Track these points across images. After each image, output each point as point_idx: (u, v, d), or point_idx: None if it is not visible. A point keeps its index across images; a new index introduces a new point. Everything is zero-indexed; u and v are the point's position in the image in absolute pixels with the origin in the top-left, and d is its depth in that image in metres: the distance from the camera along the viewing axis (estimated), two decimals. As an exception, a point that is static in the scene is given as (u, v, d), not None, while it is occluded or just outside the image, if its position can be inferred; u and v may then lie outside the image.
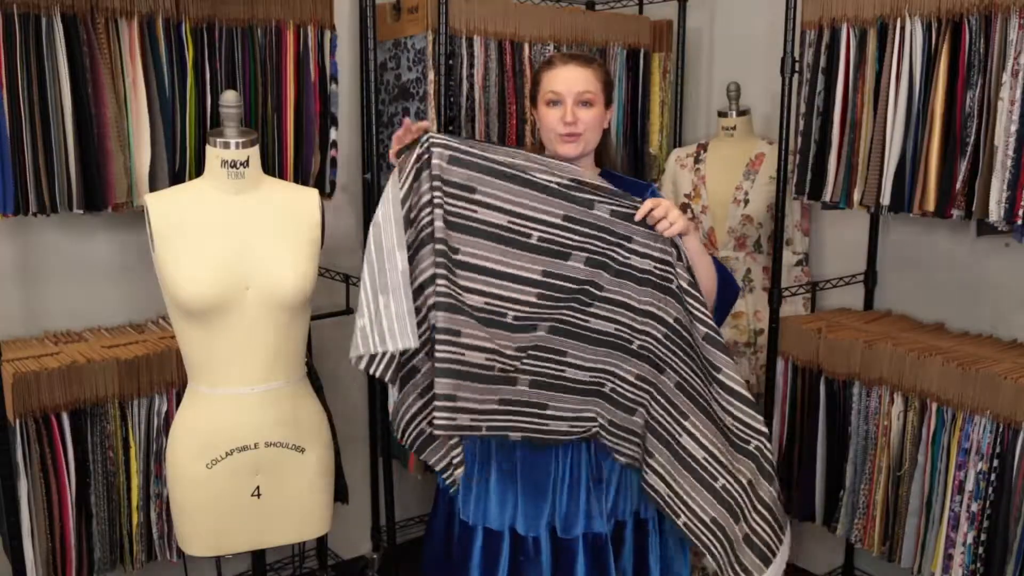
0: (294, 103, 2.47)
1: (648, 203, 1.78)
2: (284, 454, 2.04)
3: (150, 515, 2.32)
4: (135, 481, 2.29)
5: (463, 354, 1.74)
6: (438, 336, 1.71)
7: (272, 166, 2.45)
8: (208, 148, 1.98)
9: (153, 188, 2.25)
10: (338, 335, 3.02)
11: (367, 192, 2.90)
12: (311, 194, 2.08)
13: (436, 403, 1.73)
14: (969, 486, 2.18)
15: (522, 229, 1.76)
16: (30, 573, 2.16)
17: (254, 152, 1.99)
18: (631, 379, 1.87)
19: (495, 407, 1.80)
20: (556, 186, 1.76)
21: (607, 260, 1.81)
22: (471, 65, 2.74)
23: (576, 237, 1.79)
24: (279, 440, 2.03)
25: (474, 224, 1.74)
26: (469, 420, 1.78)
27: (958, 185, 2.12)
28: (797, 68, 2.43)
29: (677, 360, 1.84)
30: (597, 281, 1.82)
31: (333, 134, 2.57)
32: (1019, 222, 2.02)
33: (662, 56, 3.18)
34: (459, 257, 1.74)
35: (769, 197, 2.81)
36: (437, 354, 1.72)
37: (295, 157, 2.50)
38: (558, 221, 1.77)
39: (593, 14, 3.07)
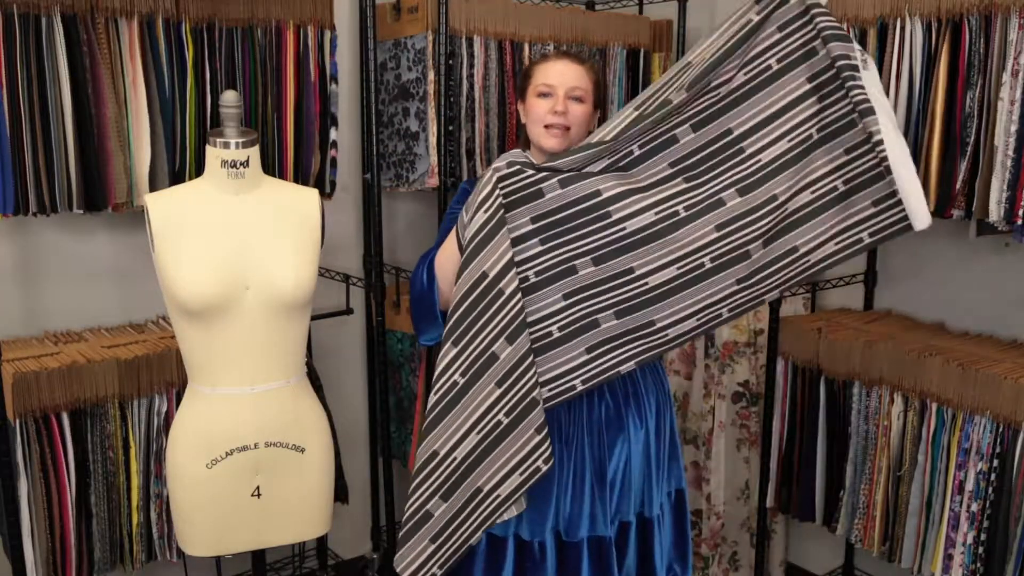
0: (294, 103, 2.47)
1: None
2: (284, 454, 2.04)
3: (150, 515, 2.32)
4: (135, 481, 2.29)
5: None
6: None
7: (272, 166, 2.45)
8: (208, 148, 1.98)
9: (153, 188, 2.25)
10: (338, 335, 3.03)
11: (367, 192, 2.91)
12: (311, 194, 2.08)
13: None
14: (969, 486, 2.18)
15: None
16: (30, 573, 2.16)
17: (254, 152, 1.99)
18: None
19: (585, 358, 1.79)
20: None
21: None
22: (471, 65, 2.73)
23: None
24: (279, 440, 2.03)
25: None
26: (550, 390, 1.80)
27: (958, 185, 2.12)
28: (797, 68, 2.43)
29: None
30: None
31: (333, 134, 2.57)
32: (1019, 222, 2.02)
33: (662, 56, 3.18)
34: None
35: (769, 197, 2.81)
36: None
37: (295, 157, 2.50)
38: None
39: (593, 14, 3.07)
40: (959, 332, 2.60)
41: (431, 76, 2.64)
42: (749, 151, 1.74)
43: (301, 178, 2.52)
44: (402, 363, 3.01)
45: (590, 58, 1.96)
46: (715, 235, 1.73)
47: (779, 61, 1.73)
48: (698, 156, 1.76)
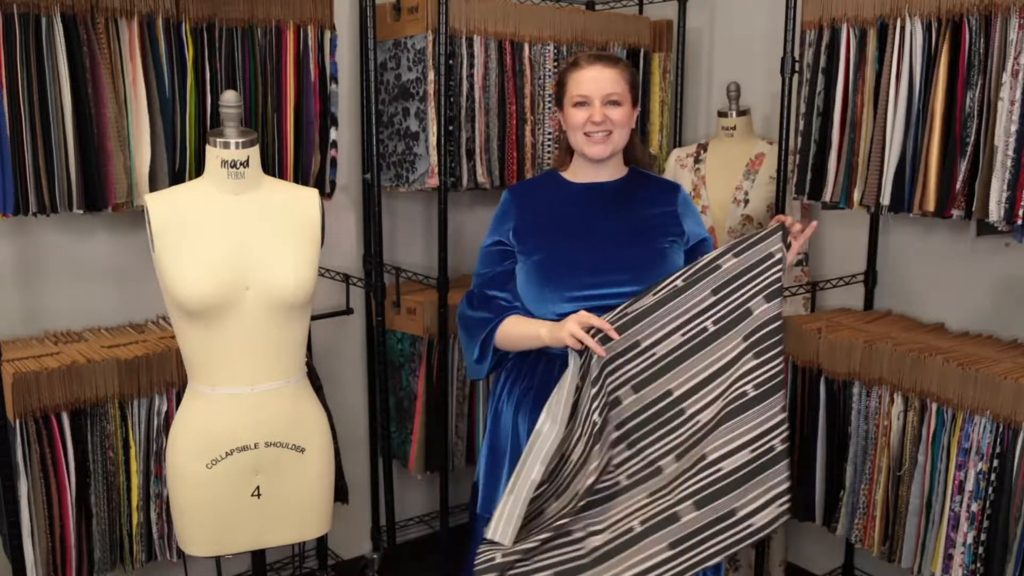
0: (294, 103, 2.47)
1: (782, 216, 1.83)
2: (284, 454, 2.04)
3: (150, 515, 2.32)
4: (135, 481, 2.29)
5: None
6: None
7: (272, 166, 2.45)
8: (208, 148, 1.98)
9: (153, 188, 2.25)
10: (338, 335, 3.03)
11: (367, 192, 2.91)
12: (311, 194, 2.08)
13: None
14: (969, 486, 2.18)
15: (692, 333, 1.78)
16: (30, 573, 2.16)
17: (254, 152, 1.99)
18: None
19: (668, 554, 1.77)
20: (681, 282, 1.79)
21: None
22: (471, 65, 2.74)
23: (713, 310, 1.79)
24: (279, 440, 2.03)
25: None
26: None
27: (958, 185, 2.12)
28: (797, 68, 2.43)
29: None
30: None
31: (333, 134, 2.57)
32: (1019, 222, 2.01)
33: (662, 56, 3.18)
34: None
35: (769, 197, 2.81)
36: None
37: (295, 157, 2.50)
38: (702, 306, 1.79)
39: (593, 14, 3.07)
40: (959, 332, 2.60)
41: (431, 76, 2.64)
42: (689, 412, 1.76)
43: (301, 178, 2.52)
44: (402, 363, 3.01)
45: (621, 57, 1.93)
46: (646, 501, 1.74)
47: (715, 323, 1.77)
48: (639, 419, 1.78)
